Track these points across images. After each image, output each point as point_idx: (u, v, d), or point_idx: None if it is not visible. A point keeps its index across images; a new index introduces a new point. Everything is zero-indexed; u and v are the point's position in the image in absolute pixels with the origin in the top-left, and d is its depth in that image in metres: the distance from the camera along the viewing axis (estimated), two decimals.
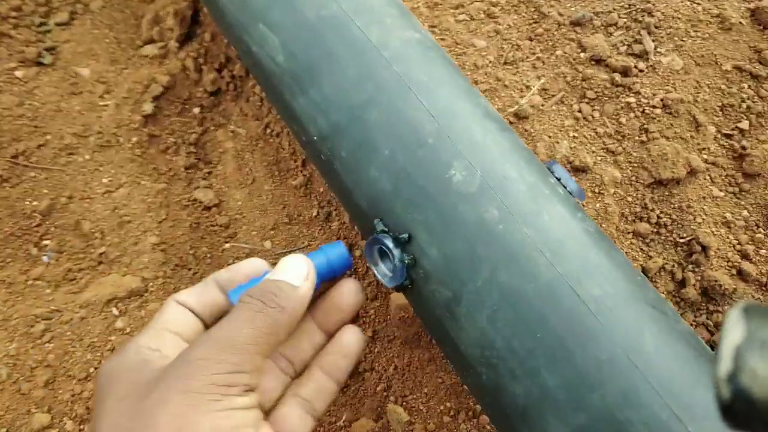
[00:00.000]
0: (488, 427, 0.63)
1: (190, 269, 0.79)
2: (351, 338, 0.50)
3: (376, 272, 0.54)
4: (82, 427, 0.69)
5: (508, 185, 0.48)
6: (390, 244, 0.50)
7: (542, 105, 0.77)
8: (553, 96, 0.78)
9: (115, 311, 0.74)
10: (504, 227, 0.46)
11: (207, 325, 0.47)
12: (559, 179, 0.53)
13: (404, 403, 0.68)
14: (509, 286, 0.45)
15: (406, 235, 0.49)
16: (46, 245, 0.81)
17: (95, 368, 0.71)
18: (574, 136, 0.75)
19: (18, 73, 0.91)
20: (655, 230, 0.70)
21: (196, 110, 0.92)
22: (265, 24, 0.61)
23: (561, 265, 0.45)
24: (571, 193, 0.52)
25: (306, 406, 0.47)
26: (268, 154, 0.88)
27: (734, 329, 0.23)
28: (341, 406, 0.71)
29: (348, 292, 0.50)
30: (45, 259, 0.80)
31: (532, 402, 0.43)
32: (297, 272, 0.45)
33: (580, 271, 0.44)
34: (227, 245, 0.82)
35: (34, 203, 0.83)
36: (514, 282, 0.45)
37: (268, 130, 0.89)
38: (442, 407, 0.65)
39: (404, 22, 0.59)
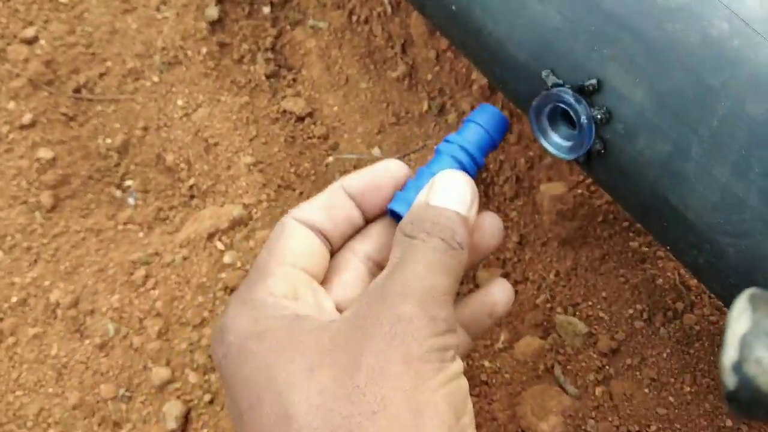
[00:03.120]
0: (696, 328, 0.54)
1: (294, 189, 0.72)
2: (501, 295, 0.44)
3: (546, 144, 0.45)
4: (207, 377, 0.66)
5: None
6: (570, 98, 0.41)
7: None
8: None
9: (219, 245, 0.69)
10: (740, 43, 0.36)
11: (333, 249, 0.42)
12: None
13: (577, 313, 0.60)
14: (763, 120, 0.34)
15: (593, 82, 0.40)
16: (129, 186, 0.77)
17: (209, 311, 0.67)
18: None
19: None
20: None
21: (266, 9, 0.84)
22: None
23: None
24: None
25: None
26: (358, 46, 0.79)
27: (740, 318, 0.24)
28: (495, 325, 0.64)
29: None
30: (130, 200, 0.76)
31: None
32: (463, 196, 0.39)
33: None
34: (330, 158, 0.75)
35: (108, 140, 0.78)
36: None
37: (354, 18, 0.80)
38: (630, 311, 0.57)
39: None
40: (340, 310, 0.39)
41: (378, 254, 0.42)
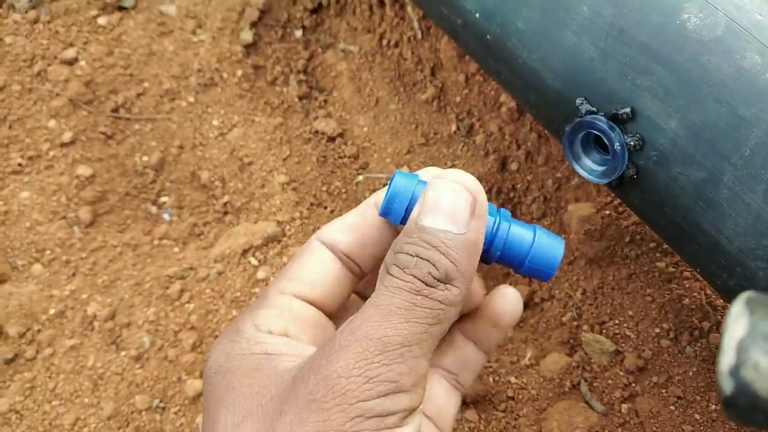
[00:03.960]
0: None
1: (326, 207, 0.74)
2: (507, 305, 0.38)
3: (579, 169, 0.46)
4: None
5: (766, 22, 0.38)
6: (604, 125, 0.42)
7: None
8: None
9: (254, 261, 0.70)
10: None
11: (364, 272, 0.37)
12: None
13: (603, 331, 0.61)
14: None
15: (627, 110, 0.41)
16: (164, 202, 0.79)
17: None
18: None
19: (101, 21, 0.88)
20: None
21: (299, 33, 0.86)
22: None
23: None
24: None
25: (451, 380, 0.39)
26: (388, 69, 0.81)
27: (737, 323, 0.24)
28: (521, 342, 0.65)
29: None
30: (166, 216, 0.78)
31: None
32: (455, 208, 0.31)
33: None
34: (360, 177, 0.76)
35: (144, 158, 0.80)
36: None
37: (384, 42, 0.81)
38: (657, 330, 0.57)
39: None
40: None
41: None
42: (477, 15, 0.49)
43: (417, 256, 0.30)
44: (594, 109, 0.43)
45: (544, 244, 0.34)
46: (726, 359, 0.23)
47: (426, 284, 0.30)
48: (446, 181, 0.32)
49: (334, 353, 0.29)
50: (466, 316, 0.39)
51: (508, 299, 0.38)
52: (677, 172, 0.40)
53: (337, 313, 0.37)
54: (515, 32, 0.47)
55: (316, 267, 0.35)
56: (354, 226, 0.36)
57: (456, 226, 0.31)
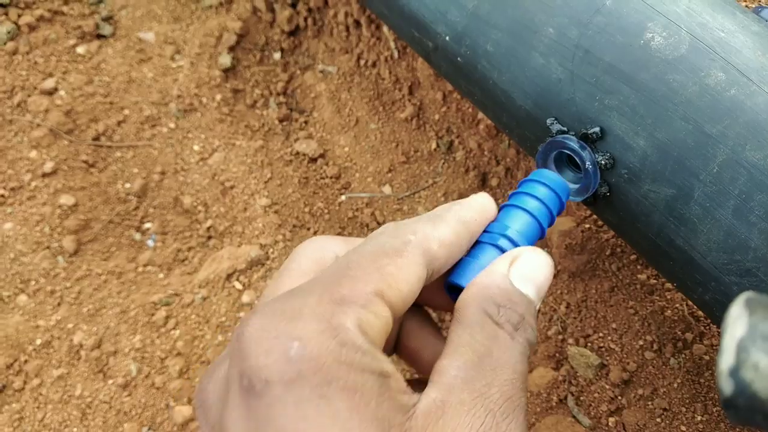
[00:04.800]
0: (706, 358, 0.55)
1: (309, 228, 0.74)
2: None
3: None
4: None
5: (729, 39, 0.39)
6: (574, 145, 0.42)
7: None
8: None
9: (238, 285, 0.70)
10: (737, 92, 0.37)
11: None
12: None
13: (588, 344, 0.61)
14: (761, 165, 0.36)
15: (596, 129, 0.41)
16: (148, 228, 0.78)
17: None
18: None
19: (80, 50, 0.88)
20: None
21: (277, 55, 0.86)
22: None
23: None
24: None
25: None
26: (367, 88, 0.81)
27: (736, 323, 0.24)
28: None
29: None
30: (150, 243, 0.78)
31: None
32: (543, 285, 0.32)
33: None
34: (343, 197, 0.76)
35: (127, 185, 0.80)
36: None
37: (362, 62, 0.82)
38: (641, 342, 0.57)
39: None
40: None
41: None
42: (447, 38, 0.49)
43: (524, 318, 0.31)
44: (564, 128, 0.43)
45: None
46: (725, 359, 0.23)
47: (532, 347, 0.31)
48: (542, 254, 0.33)
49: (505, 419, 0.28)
50: None
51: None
52: (648, 189, 0.40)
53: None
54: (484, 54, 0.47)
55: (414, 283, 0.30)
56: (450, 245, 0.33)
57: (536, 298, 0.32)
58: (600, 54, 0.41)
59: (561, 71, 0.43)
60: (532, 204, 0.37)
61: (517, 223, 0.35)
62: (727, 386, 0.23)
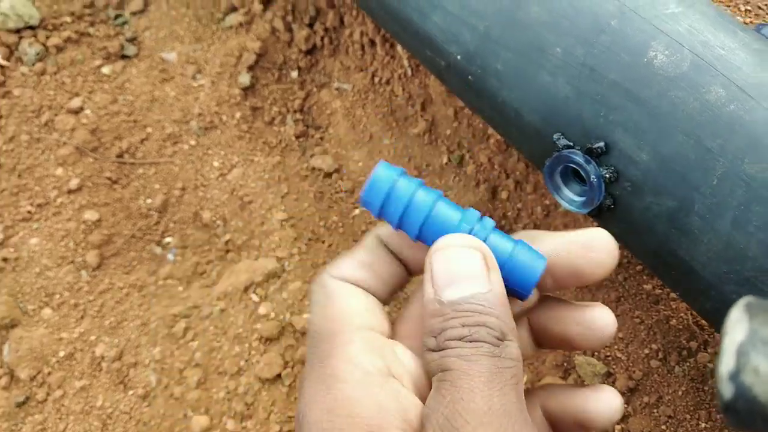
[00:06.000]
0: (710, 366, 0.56)
1: (324, 242, 0.75)
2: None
3: (560, 200, 0.48)
4: (244, 424, 0.68)
5: (729, 56, 0.40)
6: (580, 159, 0.44)
7: None
8: None
9: (255, 297, 0.72)
10: (736, 107, 0.39)
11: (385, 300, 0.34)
12: None
13: (595, 354, 0.62)
14: (759, 177, 0.37)
15: (601, 144, 0.43)
16: (168, 243, 0.80)
17: (246, 360, 0.69)
18: None
19: (105, 70, 0.91)
20: None
21: (294, 74, 0.88)
22: None
23: None
24: None
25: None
26: (381, 105, 0.83)
27: (736, 327, 0.24)
28: None
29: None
30: (170, 257, 0.80)
31: None
32: (472, 271, 0.29)
33: None
34: (357, 211, 0.78)
35: (149, 201, 0.82)
36: (766, 170, 0.37)
37: (376, 79, 0.84)
38: (647, 350, 0.58)
39: None
40: None
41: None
42: (459, 57, 0.51)
43: (465, 326, 0.28)
44: (571, 143, 0.45)
45: (523, 260, 0.30)
46: (725, 364, 0.23)
47: (493, 345, 0.28)
48: (445, 250, 0.30)
49: None
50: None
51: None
52: (650, 201, 0.41)
53: None
54: (495, 73, 0.49)
55: (358, 299, 0.32)
56: (366, 263, 0.33)
57: (481, 286, 0.29)
58: (605, 72, 0.43)
59: (568, 89, 0.44)
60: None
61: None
62: (727, 390, 0.23)
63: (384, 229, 0.34)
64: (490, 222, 0.31)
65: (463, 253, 0.29)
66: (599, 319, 0.32)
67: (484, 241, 0.30)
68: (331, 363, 0.29)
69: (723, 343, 0.24)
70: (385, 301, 0.34)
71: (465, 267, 0.29)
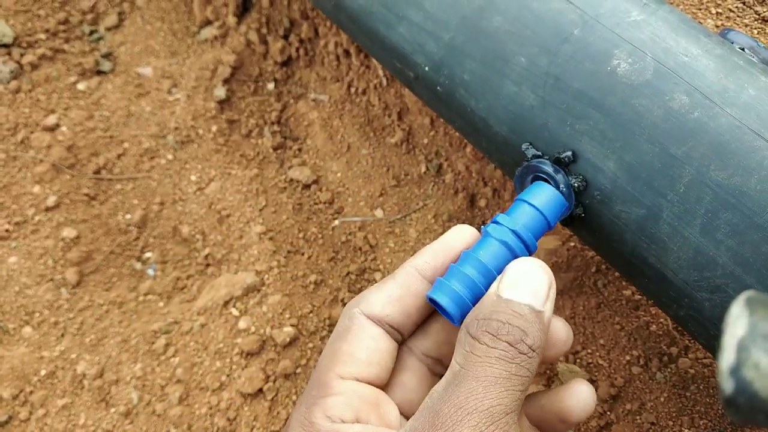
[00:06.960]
0: (691, 371, 0.55)
1: (303, 253, 0.75)
2: (579, 402, 0.37)
3: None
4: None
5: (692, 63, 0.40)
6: (549, 168, 0.43)
7: None
8: None
9: (235, 312, 0.71)
10: (700, 114, 0.38)
11: (403, 339, 0.37)
12: (743, 49, 0.44)
13: (577, 361, 0.61)
14: (725, 184, 0.37)
15: (569, 153, 0.42)
16: (148, 258, 0.79)
17: (227, 375, 0.68)
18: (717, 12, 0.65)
19: (80, 86, 0.90)
20: None
21: (270, 85, 0.87)
22: None
23: None
24: (765, 62, 0.43)
25: None
26: (357, 115, 0.82)
27: (737, 322, 0.24)
28: None
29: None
30: (150, 272, 0.79)
31: None
32: (538, 287, 0.33)
33: None
34: (336, 222, 0.77)
35: (127, 216, 0.81)
36: (731, 176, 0.37)
37: (353, 89, 0.83)
38: (628, 357, 0.58)
39: None
40: (403, 413, 0.36)
41: (437, 351, 0.38)
42: (426, 68, 0.50)
43: (508, 323, 0.32)
44: (539, 153, 0.44)
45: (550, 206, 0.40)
46: (726, 358, 0.23)
47: (519, 352, 0.31)
48: (528, 261, 0.34)
49: (452, 425, 0.30)
50: (533, 401, 0.38)
51: (583, 397, 0.37)
52: (619, 209, 0.41)
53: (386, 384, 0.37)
54: (462, 83, 0.48)
55: (369, 345, 0.35)
56: (397, 298, 0.36)
57: (537, 303, 0.33)
58: (569, 81, 0.42)
59: (533, 98, 0.44)
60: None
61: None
62: (727, 385, 0.23)
63: (420, 260, 0.37)
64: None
65: (537, 268, 0.34)
66: (580, 393, 0.37)
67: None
68: (312, 410, 0.33)
69: (723, 338, 0.24)
70: (407, 333, 0.37)
71: (534, 282, 0.33)
